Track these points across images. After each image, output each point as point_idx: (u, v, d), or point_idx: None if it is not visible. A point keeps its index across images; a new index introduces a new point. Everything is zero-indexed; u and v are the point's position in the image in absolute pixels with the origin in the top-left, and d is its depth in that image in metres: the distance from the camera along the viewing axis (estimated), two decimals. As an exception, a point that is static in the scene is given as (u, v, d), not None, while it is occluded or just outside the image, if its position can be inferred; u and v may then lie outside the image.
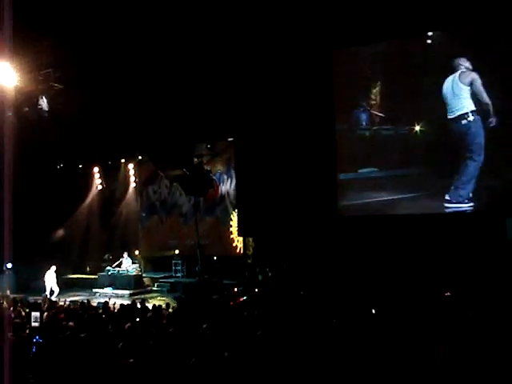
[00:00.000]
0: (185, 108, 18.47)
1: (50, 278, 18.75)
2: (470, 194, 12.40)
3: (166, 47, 16.30)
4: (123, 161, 23.24)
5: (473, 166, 11.92)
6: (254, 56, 16.48)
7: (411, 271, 13.56)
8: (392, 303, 9.72)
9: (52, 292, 18.61)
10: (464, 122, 11.40)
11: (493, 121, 11.55)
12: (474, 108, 11.54)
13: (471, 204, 12.54)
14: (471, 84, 11.42)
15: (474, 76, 11.44)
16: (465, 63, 11.73)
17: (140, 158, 22.85)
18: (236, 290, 17.41)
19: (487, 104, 11.56)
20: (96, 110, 18.87)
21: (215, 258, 20.46)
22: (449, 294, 10.03)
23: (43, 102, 16.69)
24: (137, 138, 20.79)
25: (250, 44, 16.17)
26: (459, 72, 11.49)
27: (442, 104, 12.44)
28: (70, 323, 9.34)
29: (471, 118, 11.39)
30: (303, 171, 17.05)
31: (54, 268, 18.96)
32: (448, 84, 11.65)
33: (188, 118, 18.87)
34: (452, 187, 12.71)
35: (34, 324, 9.13)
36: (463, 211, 12.62)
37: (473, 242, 13.57)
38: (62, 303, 14.05)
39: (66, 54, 16.06)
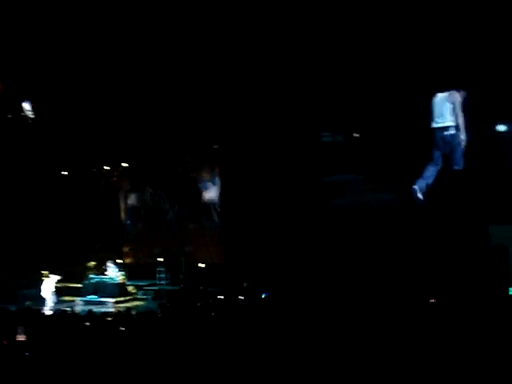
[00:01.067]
0: (170, 115, 18.46)
1: (48, 287, 18.45)
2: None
3: (152, 57, 16.31)
4: (107, 168, 23.12)
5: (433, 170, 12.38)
6: (238, 63, 16.52)
7: (390, 280, 13.62)
8: (375, 313, 9.75)
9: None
10: (446, 133, 11.98)
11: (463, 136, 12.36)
12: (454, 124, 12.19)
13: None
14: (453, 103, 12.10)
15: (457, 97, 12.12)
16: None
17: (124, 165, 22.73)
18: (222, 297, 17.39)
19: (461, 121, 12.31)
20: (80, 117, 18.81)
21: (201, 265, 20.38)
22: (433, 300, 10.08)
23: (27, 108, 16.53)
24: (121, 146, 20.72)
25: (233, 53, 16.22)
26: (449, 92, 12.15)
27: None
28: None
29: (453, 131, 12.01)
30: (288, 178, 17.11)
31: (54, 277, 18.66)
32: (437, 100, 12.28)
33: (173, 125, 18.86)
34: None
35: (19, 338, 8.84)
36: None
37: (456, 248, 13.71)
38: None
39: (51, 62, 16.02)
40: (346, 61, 15.42)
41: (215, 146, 20.23)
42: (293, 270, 16.40)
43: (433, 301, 10.06)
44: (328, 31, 15.00)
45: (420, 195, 12.29)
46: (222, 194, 20.52)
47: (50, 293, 18.25)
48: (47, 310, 16.36)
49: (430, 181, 12.24)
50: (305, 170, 17.05)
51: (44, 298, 18.18)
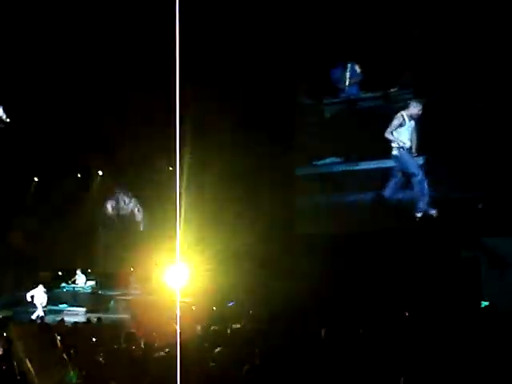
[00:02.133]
0: (147, 121, 18.37)
1: (39, 298, 18.15)
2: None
3: (136, 62, 16.30)
4: (80, 175, 22.88)
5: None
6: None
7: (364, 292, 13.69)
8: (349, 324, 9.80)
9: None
10: (393, 152, 12.53)
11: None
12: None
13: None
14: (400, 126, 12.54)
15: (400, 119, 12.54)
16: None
17: (100, 173, 22.54)
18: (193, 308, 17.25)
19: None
20: (54, 123, 18.63)
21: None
22: (407, 313, 10.16)
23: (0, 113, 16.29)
24: (96, 152, 20.55)
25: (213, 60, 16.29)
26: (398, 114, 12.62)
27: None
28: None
29: (395, 152, 12.50)
30: (271, 187, 17.09)
31: (42, 287, 18.41)
32: None
33: (148, 133, 18.76)
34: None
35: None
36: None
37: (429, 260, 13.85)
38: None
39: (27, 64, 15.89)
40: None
41: (190, 156, 20.11)
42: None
43: (407, 314, 10.14)
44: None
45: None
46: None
47: (41, 302, 18.01)
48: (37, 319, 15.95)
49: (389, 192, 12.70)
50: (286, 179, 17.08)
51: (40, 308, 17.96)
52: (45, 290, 18.42)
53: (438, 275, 13.53)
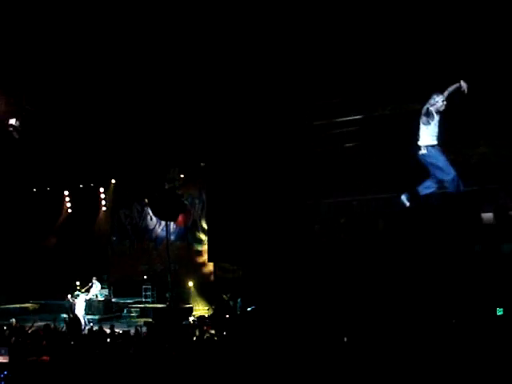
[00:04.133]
0: (157, 132, 18.46)
1: (80, 307, 18.06)
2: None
3: (140, 74, 16.37)
4: (93, 185, 23.01)
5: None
6: (226, 84, 16.60)
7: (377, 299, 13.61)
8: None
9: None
10: (418, 151, 12.05)
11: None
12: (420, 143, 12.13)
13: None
14: (427, 122, 12.02)
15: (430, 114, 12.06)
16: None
17: (112, 181, 22.66)
18: (207, 316, 17.29)
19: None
20: (67, 132, 18.75)
21: (190, 283, 20.22)
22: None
23: (15, 124, 16.38)
24: (109, 162, 20.64)
25: (218, 72, 16.33)
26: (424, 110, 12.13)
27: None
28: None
29: (422, 151, 12.01)
30: (274, 195, 17.10)
31: (83, 296, 18.41)
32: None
33: (160, 143, 18.86)
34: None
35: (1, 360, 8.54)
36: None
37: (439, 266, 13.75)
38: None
39: (40, 78, 16.02)
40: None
41: (202, 164, 20.20)
42: (281, 285, 16.34)
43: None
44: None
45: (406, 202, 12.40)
46: (207, 212, 20.49)
47: (82, 312, 17.87)
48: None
49: (424, 192, 12.34)
50: (289, 189, 17.07)
51: (82, 318, 17.74)
52: (85, 299, 18.42)
53: (456, 280, 13.40)
